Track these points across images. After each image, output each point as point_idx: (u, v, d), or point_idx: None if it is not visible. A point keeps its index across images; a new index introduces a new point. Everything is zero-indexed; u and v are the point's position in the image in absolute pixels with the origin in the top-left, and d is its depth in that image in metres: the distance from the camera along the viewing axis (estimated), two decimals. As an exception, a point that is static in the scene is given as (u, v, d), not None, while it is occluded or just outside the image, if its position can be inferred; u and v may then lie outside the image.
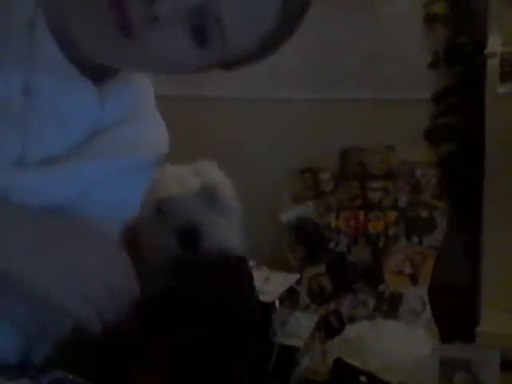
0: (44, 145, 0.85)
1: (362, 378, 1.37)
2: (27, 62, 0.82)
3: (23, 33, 0.81)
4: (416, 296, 2.29)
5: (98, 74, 0.88)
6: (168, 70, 0.84)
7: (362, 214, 2.46)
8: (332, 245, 2.43)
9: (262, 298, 1.32)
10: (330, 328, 2.19)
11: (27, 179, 0.84)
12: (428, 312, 2.24)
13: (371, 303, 2.32)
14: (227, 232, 1.17)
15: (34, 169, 0.84)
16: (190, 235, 1.12)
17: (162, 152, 0.98)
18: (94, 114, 0.89)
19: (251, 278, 1.18)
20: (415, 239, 2.40)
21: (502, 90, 2.06)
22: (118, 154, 0.90)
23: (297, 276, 2.15)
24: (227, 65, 0.88)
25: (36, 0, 0.82)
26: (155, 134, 0.97)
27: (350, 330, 2.07)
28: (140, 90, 0.96)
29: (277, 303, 1.45)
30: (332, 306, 2.33)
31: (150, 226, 1.16)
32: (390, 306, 2.30)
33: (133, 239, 1.15)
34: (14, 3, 0.82)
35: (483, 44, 2.17)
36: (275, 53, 0.88)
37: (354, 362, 1.47)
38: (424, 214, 2.41)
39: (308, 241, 2.44)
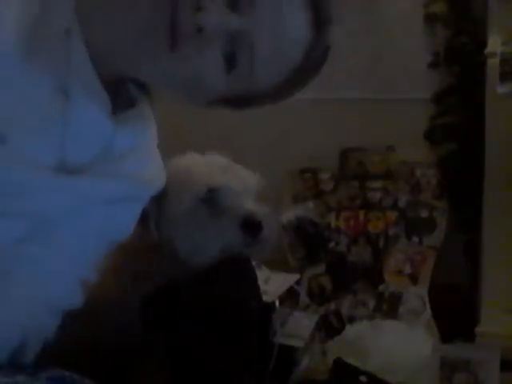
0: (71, 151, 0.88)
1: (362, 378, 1.37)
2: (63, 68, 0.84)
3: (60, 39, 0.84)
4: (416, 296, 2.29)
5: (116, 101, 0.91)
6: (195, 91, 0.88)
7: (362, 214, 2.46)
8: (332, 245, 2.43)
9: (262, 298, 1.32)
10: (330, 328, 2.19)
11: (43, 183, 0.86)
12: (428, 312, 2.24)
13: (371, 303, 2.32)
14: (276, 221, 1.16)
15: (52, 175, 0.87)
16: (255, 225, 1.11)
17: (158, 187, 1.04)
18: (108, 134, 0.91)
19: (255, 278, 1.18)
20: (415, 239, 2.40)
21: (502, 90, 2.06)
22: (124, 181, 0.94)
23: (297, 276, 2.16)
24: (241, 102, 0.92)
25: (74, 8, 0.84)
26: (156, 170, 1.04)
27: (350, 330, 2.07)
28: (149, 126, 1.01)
29: (277, 303, 1.45)
30: (332, 306, 2.34)
31: (193, 215, 1.13)
32: (390, 306, 2.30)
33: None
34: (52, 9, 0.84)
35: (483, 44, 2.17)
36: (287, 98, 0.95)
37: (353, 362, 1.47)
38: (424, 214, 2.41)
39: (308, 241, 2.44)
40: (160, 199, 1.12)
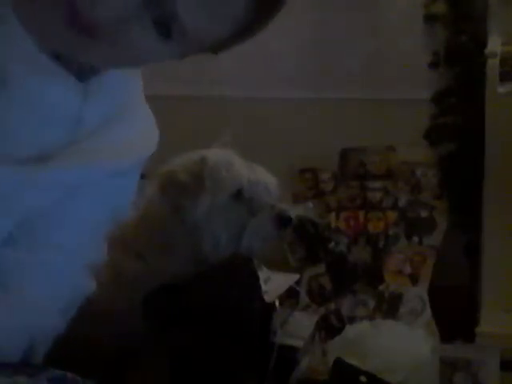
0: (23, 138, 0.83)
1: (362, 378, 1.36)
2: (4, 52, 0.80)
3: None
4: (416, 296, 2.29)
5: (82, 68, 0.85)
6: (143, 63, 0.82)
7: (361, 214, 2.46)
8: (332, 245, 2.43)
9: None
10: (330, 328, 2.19)
11: (11, 178, 0.81)
12: (428, 312, 2.24)
13: (371, 303, 2.32)
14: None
15: (18, 168, 0.82)
16: (287, 221, 1.25)
17: (149, 151, 0.96)
18: (74, 109, 0.85)
19: (257, 277, 1.19)
20: (415, 239, 2.40)
21: (501, 89, 2.06)
22: (105, 158, 0.88)
23: (297, 276, 2.15)
24: (206, 50, 0.84)
25: None
26: (142, 134, 0.95)
27: (350, 330, 2.06)
28: (127, 84, 0.93)
29: (277, 303, 1.45)
30: (332, 306, 2.33)
31: (231, 210, 1.22)
32: (389, 306, 2.30)
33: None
34: None
35: (483, 44, 2.17)
36: (254, 36, 0.83)
37: (354, 361, 1.47)
38: (424, 214, 2.41)
39: (308, 241, 2.44)
40: (195, 191, 1.17)
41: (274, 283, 1.65)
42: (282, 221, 1.24)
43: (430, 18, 2.42)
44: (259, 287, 1.20)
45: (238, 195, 1.22)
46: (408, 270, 2.36)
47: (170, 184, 1.21)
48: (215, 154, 1.25)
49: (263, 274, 1.66)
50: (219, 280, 1.12)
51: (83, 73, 0.85)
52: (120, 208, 0.96)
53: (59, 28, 0.74)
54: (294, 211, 1.27)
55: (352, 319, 2.26)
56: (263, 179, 1.27)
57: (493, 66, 2.10)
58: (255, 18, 0.80)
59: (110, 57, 0.78)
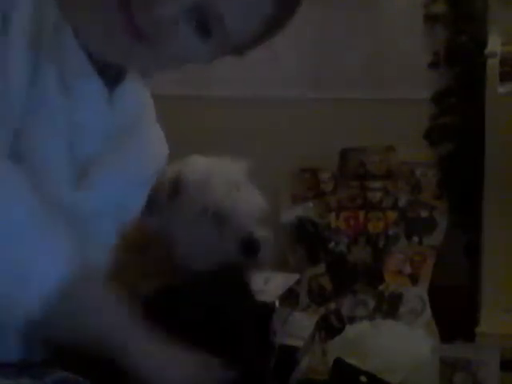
0: (79, 151, 0.88)
1: (362, 378, 1.36)
2: (59, 61, 0.84)
3: (52, 34, 0.83)
4: (416, 296, 2.29)
5: (108, 80, 0.89)
6: (182, 65, 0.87)
7: (361, 214, 2.46)
8: (332, 245, 2.43)
9: (262, 297, 1.32)
10: (330, 328, 2.19)
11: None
12: (428, 312, 2.24)
13: (371, 303, 2.32)
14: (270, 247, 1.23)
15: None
16: (253, 247, 1.18)
17: (162, 164, 1.04)
18: (107, 119, 0.90)
19: (246, 285, 1.19)
20: (415, 239, 2.40)
21: (502, 89, 2.06)
22: (128, 168, 0.95)
23: (297, 276, 2.15)
24: (235, 51, 0.90)
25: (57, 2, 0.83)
26: (157, 147, 1.03)
27: (350, 330, 2.07)
28: (142, 99, 0.99)
29: (277, 303, 1.45)
30: (332, 306, 2.34)
31: (199, 224, 1.19)
32: (390, 306, 2.30)
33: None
34: (42, 5, 0.84)
35: (483, 44, 2.17)
36: (279, 33, 0.89)
37: (353, 361, 1.47)
38: (424, 214, 2.41)
39: (308, 241, 2.44)
40: (172, 197, 1.17)
41: (273, 283, 1.65)
42: (248, 246, 1.18)
43: (430, 18, 2.42)
44: (250, 293, 1.19)
45: (208, 214, 1.19)
46: (408, 270, 2.36)
47: None
48: (194, 171, 1.23)
49: (263, 274, 1.66)
50: (206, 288, 1.12)
51: (108, 83, 0.89)
52: (132, 212, 1.01)
53: (114, 34, 0.78)
54: (264, 233, 1.21)
55: (352, 319, 2.26)
56: (241, 200, 1.22)
57: (493, 66, 2.10)
58: (279, 18, 0.85)
59: (156, 60, 0.83)
